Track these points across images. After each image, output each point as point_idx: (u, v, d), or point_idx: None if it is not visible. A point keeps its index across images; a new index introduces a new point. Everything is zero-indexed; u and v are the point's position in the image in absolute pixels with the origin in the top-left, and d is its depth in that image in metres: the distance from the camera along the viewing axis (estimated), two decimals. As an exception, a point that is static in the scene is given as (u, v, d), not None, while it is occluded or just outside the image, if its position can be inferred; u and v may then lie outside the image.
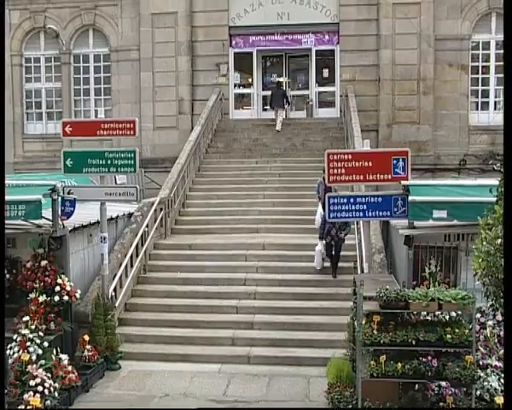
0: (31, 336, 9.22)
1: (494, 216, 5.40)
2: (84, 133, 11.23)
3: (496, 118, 20.33)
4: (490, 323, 8.66)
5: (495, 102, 20.77)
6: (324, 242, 12.43)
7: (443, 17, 20.40)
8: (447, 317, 8.15)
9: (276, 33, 21.39)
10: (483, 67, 20.77)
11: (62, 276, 10.39)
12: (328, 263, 12.58)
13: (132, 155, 10.52)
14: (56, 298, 10.15)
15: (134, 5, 21.68)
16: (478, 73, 20.76)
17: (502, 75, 20.10)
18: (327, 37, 21.36)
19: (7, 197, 8.89)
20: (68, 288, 10.34)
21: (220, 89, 21.13)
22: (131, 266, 12.53)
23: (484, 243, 5.29)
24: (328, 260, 12.58)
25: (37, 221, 10.52)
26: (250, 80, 22.04)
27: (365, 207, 8.75)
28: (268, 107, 21.81)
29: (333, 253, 12.47)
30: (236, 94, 22.04)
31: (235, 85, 21.85)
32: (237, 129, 20.67)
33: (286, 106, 20.99)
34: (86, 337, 10.17)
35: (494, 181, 6.77)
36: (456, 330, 7.57)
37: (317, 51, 21.51)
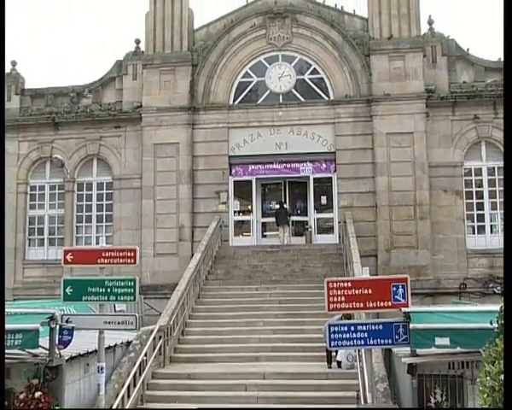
0: None
1: (496, 349, 5.31)
2: (85, 261, 11.29)
3: (493, 241, 20.57)
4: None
5: (491, 226, 21.05)
6: None
7: (435, 145, 21.17)
8: (456, 451, 7.82)
9: (275, 162, 22.09)
10: (477, 192, 21.26)
11: (56, 408, 10.07)
12: None
13: (132, 283, 10.52)
14: (49, 432, 9.79)
15: (137, 136, 22.56)
16: (472, 199, 21.23)
17: (496, 200, 20.61)
18: (324, 165, 22.04)
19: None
20: (62, 421, 9.99)
21: (220, 216, 21.51)
22: (128, 396, 12.15)
23: (488, 377, 5.16)
24: None
25: (33, 350, 10.35)
26: (249, 207, 22.47)
27: (366, 335, 8.64)
28: (267, 233, 22.55)
29: None
30: (236, 221, 22.39)
31: (234, 213, 22.25)
32: (237, 256, 20.81)
33: (290, 223, 21.98)
34: None
35: (495, 307, 6.73)
36: None
37: (314, 179, 22.10)
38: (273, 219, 22.44)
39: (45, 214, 23.27)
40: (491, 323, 5.94)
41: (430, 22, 22.33)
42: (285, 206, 22.26)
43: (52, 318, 10.30)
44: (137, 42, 23.53)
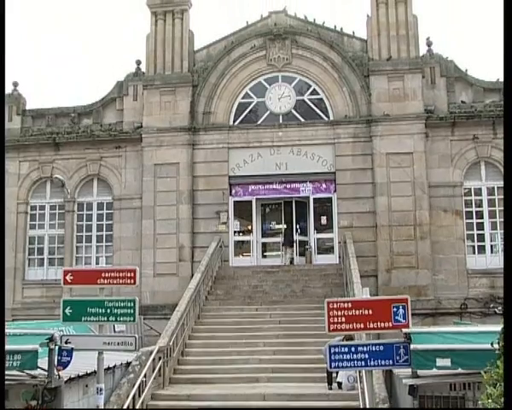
0: None
1: (497, 371, 5.26)
2: (84, 282, 11.28)
3: (493, 261, 20.52)
4: None
5: (491, 246, 21.02)
6: None
7: (435, 166, 21.21)
8: None
9: (275, 182, 22.10)
10: (477, 212, 21.26)
11: (55, 430, 9.98)
12: None
13: (132, 304, 10.49)
14: (47, 455, 9.69)
15: (137, 156, 22.62)
16: (472, 218, 21.21)
17: (496, 220, 20.61)
18: (324, 185, 22.06)
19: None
20: (60, 444, 9.90)
21: (220, 236, 21.48)
22: (127, 418, 12.07)
23: (489, 400, 5.11)
24: None
25: (32, 372, 10.29)
26: (249, 227, 22.41)
27: (367, 356, 8.58)
28: (267, 253, 22.58)
29: None
30: (236, 241, 22.34)
31: (234, 233, 22.21)
32: (237, 276, 20.75)
33: (293, 244, 22.04)
34: None
35: (496, 327, 6.69)
36: None
37: (314, 199, 22.09)
38: (273, 239, 22.56)
39: (45, 234, 23.25)
40: (491, 344, 5.91)
41: (429, 43, 22.50)
42: (291, 226, 22.32)
43: (51, 339, 10.26)
44: (138, 63, 23.70)
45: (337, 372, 12.91)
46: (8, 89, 23.94)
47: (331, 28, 22.88)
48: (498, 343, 5.65)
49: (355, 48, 22.58)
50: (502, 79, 20.89)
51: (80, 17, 53.40)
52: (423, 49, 22.32)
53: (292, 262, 21.90)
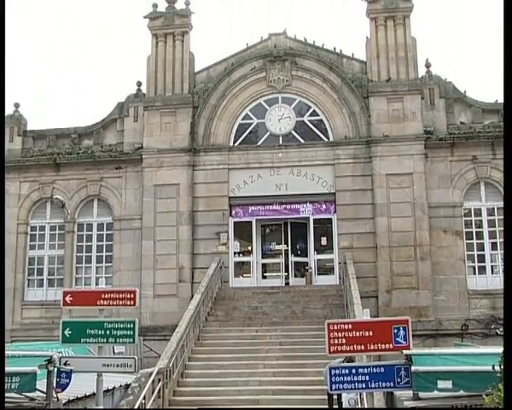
0: None
1: (499, 395, 5.23)
2: (84, 303, 11.24)
3: (494, 282, 20.47)
4: None
5: (492, 267, 20.98)
6: None
7: (434, 186, 21.26)
8: None
9: (275, 203, 22.12)
10: (477, 232, 21.25)
11: (53, 454, 9.89)
12: None
13: (131, 325, 10.45)
14: None
15: (138, 177, 22.67)
16: (472, 239, 21.21)
17: (496, 240, 20.60)
18: (324, 206, 22.08)
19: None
20: None
21: (220, 257, 21.44)
22: (126, 441, 11.97)
23: (491, 422, 5.08)
24: None
25: (30, 394, 10.22)
26: (250, 248, 22.38)
27: (368, 377, 8.54)
28: (267, 274, 22.51)
29: None
30: (236, 262, 22.28)
31: (234, 254, 22.17)
32: (237, 297, 20.67)
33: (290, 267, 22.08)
34: None
35: (498, 349, 6.65)
36: None
37: (314, 220, 22.09)
38: (273, 260, 22.54)
39: (45, 255, 23.22)
40: (493, 367, 5.88)
41: (427, 65, 22.69)
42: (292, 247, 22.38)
43: (50, 360, 10.19)
44: (139, 84, 23.86)
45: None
46: (10, 110, 24.10)
47: (330, 50, 23.05)
48: (500, 366, 5.62)
49: (354, 69, 22.74)
50: (500, 101, 21.03)
51: (81, 38, 53.89)
52: (422, 71, 22.49)
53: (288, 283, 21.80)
